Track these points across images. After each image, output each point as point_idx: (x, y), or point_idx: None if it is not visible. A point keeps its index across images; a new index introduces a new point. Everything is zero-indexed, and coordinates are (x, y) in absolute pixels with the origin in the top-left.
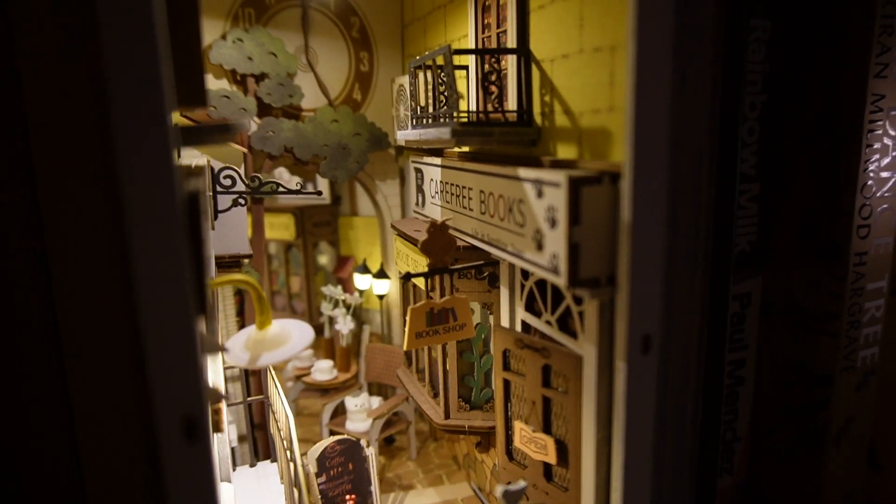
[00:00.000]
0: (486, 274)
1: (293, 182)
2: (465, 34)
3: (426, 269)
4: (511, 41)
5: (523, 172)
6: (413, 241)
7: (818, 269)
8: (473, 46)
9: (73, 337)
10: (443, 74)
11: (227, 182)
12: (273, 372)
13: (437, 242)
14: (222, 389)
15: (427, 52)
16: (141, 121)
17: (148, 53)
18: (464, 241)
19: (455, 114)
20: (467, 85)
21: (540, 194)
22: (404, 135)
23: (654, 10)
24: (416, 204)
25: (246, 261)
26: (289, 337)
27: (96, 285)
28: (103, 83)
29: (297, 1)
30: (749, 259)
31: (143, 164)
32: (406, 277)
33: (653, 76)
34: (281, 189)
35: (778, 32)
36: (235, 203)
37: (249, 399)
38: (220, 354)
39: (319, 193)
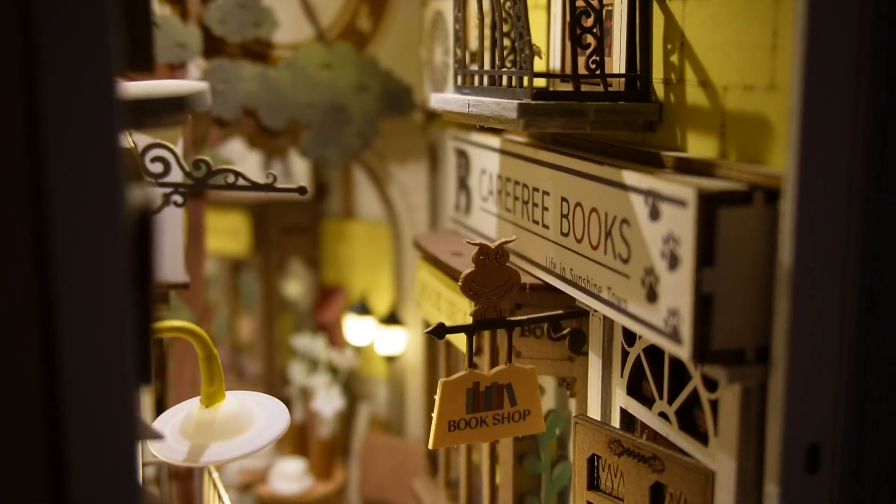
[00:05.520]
0: (565, 331)
1: (254, 166)
2: None
3: (470, 320)
4: None
5: (629, 177)
6: (451, 273)
7: None
8: None
9: None
10: (510, 9)
11: (157, 168)
12: (216, 475)
13: (490, 278)
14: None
15: None
16: (78, 94)
17: None
18: (532, 276)
19: (527, 79)
20: (547, 30)
21: (654, 214)
22: (442, 99)
23: None
24: (456, 208)
25: (172, 293)
26: (250, 421)
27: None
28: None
29: None
30: None
31: (76, 161)
32: (437, 332)
33: (834, 38)
34: (242, 181)
35: None
36: (168, 202)
37: None
38: (150, 444)
39: (304, 191)
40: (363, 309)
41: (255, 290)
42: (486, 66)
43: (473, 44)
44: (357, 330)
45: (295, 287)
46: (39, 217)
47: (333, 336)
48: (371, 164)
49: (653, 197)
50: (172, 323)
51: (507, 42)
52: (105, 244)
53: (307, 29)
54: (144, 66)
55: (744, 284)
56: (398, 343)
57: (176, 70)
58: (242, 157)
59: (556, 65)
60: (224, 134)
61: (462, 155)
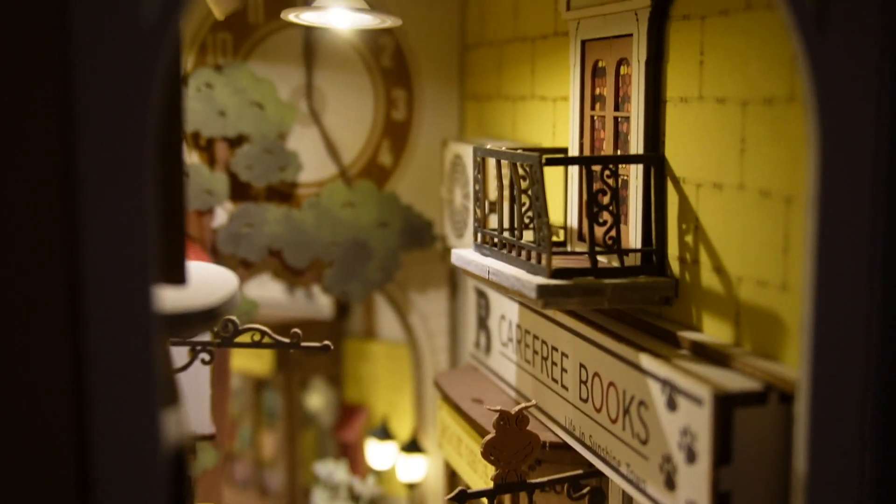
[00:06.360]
0: (585, 490)
1: (277, 291)
2: (565, 96)
3: (490, 481)
4: (636, 138)
5: (647, 362)
6: (471, 422)
7: None
8: (577, 119)
9: None
10: (528, 186)
11: None
12: None
13: (510, 442)
14: None
15: (505, 149)
16: (117, 309)
17: (135, 220)
18: (551, 432)
19: (545, 257)
20: (565, 195)
21: (672, 405)
22: (462, 258)
23: (850, 155)
24: (476, 345)
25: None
26: None
27: None
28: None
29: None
30: None
31: (114, 386)
32: (459, 498)
33: (846, 255)
34: (266, 340)
35: None
36: (196, 357)
37: None
38: None
39: (327, 349)
40: (385, 433)
41: (277, 407)
42: (505, 220)
43: (493, 194)
44: (379, 455)
45: (317, 401)
46: (83, 454)
47: (355, 458)
48: (392, 292)
49: (670, 387)
50: None
51: (525, 198)
52: (144, 469)
53: (330, 167)
54: (178, 280)
55: (760, 481)
56: (419, 470)
57: (203, 215)
58: (265, 283)
59: (573, 219)
60: (249, 274)
61: (482, 295)
